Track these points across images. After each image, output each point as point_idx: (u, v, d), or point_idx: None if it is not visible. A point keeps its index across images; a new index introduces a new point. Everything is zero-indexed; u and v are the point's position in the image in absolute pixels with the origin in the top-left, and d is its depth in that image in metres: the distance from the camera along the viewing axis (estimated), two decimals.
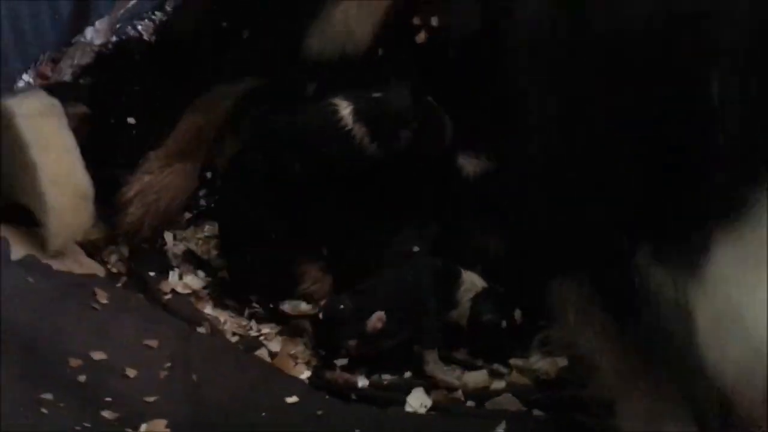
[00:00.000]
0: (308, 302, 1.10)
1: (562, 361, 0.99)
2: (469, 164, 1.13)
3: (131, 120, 1.24)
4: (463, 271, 1.07)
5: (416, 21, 1.14)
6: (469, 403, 1.00)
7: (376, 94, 1.11)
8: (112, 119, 1.24)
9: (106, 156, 1.19)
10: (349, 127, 1.09)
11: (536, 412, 0.96)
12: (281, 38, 1.18)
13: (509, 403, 0.98)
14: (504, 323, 1.04)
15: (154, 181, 1.19)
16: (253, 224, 1.13)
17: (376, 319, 1.02)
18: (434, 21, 1.14)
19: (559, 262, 0.89)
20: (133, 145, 1.23)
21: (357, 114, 1.09)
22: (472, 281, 1.06)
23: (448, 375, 1.01)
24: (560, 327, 0.90)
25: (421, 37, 1.14)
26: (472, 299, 1.05)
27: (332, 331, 1.04)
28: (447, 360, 1.03)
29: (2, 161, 1.11)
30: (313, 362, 1.06)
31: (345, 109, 1.10)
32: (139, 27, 1.38)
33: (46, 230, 1.10)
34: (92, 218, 1.13)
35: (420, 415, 0.99)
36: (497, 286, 1.07)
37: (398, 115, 1.10)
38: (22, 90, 1.28)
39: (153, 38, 1.36)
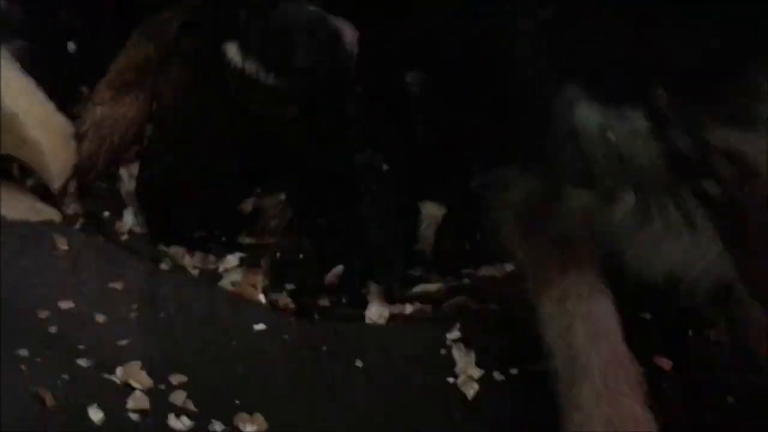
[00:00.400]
0: (269, 236, 1.11)
1: (510, 267, 1.04)
2: (418, 81, 1.10)
3: (71, 46, 1.20)
4: (421, 204, 1.08)
5: None
6: (426, 308, 1.05)
7: (260, 24, 1.05)
8: (50, 47, 1.19)
9: (47, 88, 1.15)
10: (240, 66, 1.05)
11: (492, 306, 1.02)
12: None
13: (464, 304, 1.03)
14: (467, 245, 1.07)
15: (108, 113, 1.16)
16: (201, 159, 1.11)
17: (333, 275, 1.05)
18: None
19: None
20: (74, 74, 1.19)
21: (243, 50, 1.04)
22: (433, 214, 1.08)
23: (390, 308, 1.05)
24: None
25: None
26: (435, 231, 1.08)
27: (289, 277, 1.07)
28: (402, 279, 1.07)
29: None
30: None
31: (231, 50, 1.05)
32: None
33: (47, 174, 1.11)
34: (76, 155, 1.13)
35: (379, 326, 1.04)
36: (458, 209, 1.08)
37: (284, 38, 1.04)
38: None
39: None
